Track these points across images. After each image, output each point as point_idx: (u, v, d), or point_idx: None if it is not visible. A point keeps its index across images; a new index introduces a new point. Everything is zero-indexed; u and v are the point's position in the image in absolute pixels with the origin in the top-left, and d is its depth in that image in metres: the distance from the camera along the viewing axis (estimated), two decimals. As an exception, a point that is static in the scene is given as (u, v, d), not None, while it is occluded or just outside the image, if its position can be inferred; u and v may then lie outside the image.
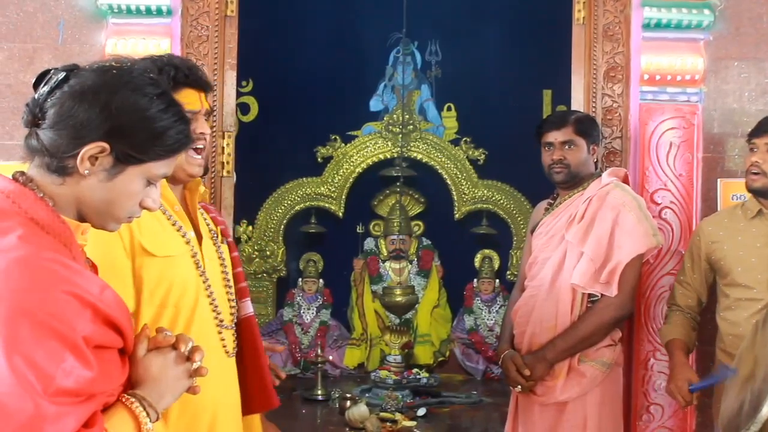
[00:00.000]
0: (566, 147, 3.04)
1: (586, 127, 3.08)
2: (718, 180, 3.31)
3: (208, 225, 2.10)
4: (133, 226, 1.80)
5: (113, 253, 1.79)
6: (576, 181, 3.05)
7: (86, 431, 1.29)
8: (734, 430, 2.38)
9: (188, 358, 1.49)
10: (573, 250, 2.95)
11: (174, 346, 1.48)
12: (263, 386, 2.25)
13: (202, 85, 1.97)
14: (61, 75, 1.40)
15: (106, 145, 1.37)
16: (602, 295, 2.91)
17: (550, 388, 2.94)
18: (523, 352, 3.00)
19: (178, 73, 1.90)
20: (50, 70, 1.42)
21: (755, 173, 2.84)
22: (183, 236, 1.93)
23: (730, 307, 2.89)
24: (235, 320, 2.08)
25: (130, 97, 1.39)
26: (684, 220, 3.25)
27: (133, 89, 1.40)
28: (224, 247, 2.11)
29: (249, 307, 2.23)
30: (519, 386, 2.95)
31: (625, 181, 3.09)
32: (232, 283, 2.10)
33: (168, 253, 1.89)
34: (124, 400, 1.40)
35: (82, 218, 1.43)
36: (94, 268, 1.56)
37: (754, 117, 3.14)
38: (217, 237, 2.09)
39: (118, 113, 1.38)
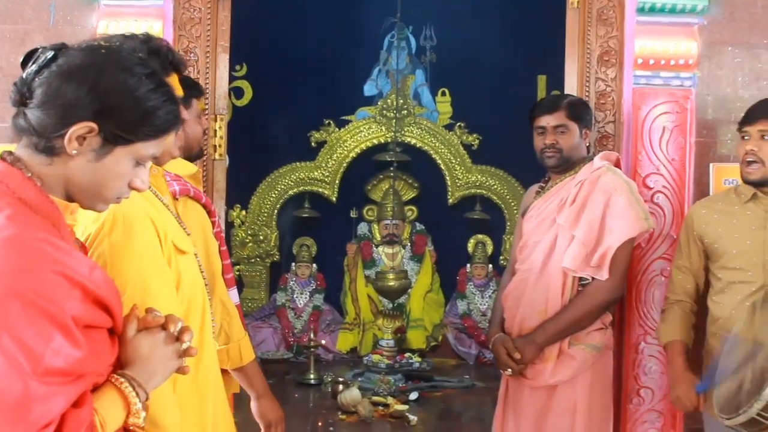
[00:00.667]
0: (558, 131, 3.03)
1: (579, 111, 3.07)
2: (711, 165, 3.30)
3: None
4: (165, 225, 1.78)
5: (161, 259, 1.76)
6: (568, 165, 3.05)
7: (75, 411, 1.29)
8: (734, 408, 2.39)
9: (177, 339, 1.49)
10: (564, 234, 2.96)
11: (163, 327, 1.48)
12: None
13: (181, 68, 1.93)
14: (50, 54, 1.38)
15: (94, 125, 1.37)
16: (593, 278, 2.92)
17: (541, 371, 2.95)
18: (513, 336, 3.00)
19: (175, 57, 1.87)
20: (38, 48, 1.41)
21: (752, 162, 2.78)
22: (184, 229, 1.93)
23: (723, 290, 2.88)
24: None
25: (118, 76, 1.38)
26: (676, 204, 3.25)
27: (122, 69, 1.39)
28: None
29: (236, 297, 2.27)
30: (509, 370, 2.96)
31: (617, 164, 3.09)
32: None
33: (190, 249, 1.89)
34: (113, 380, 1.40)
35: (70, 198, 1.43)
36: (83, 248, 1.56)
37: (747, 102, 3.13)
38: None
39: (107, 93, 1.37)
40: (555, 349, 2.93)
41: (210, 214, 2.37)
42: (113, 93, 1.38)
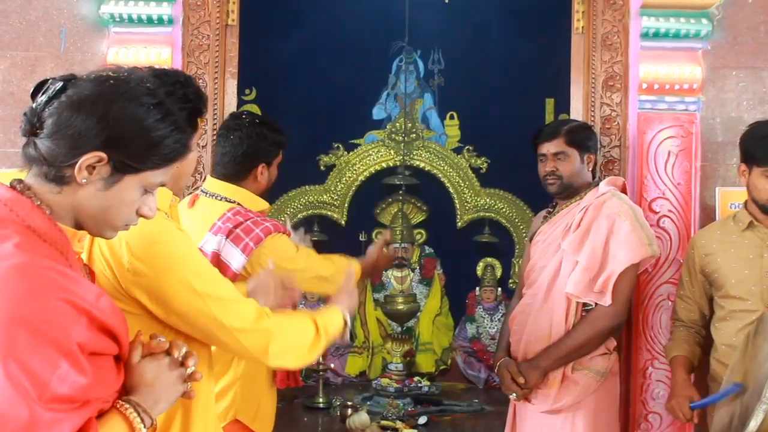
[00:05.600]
0: (558, 158, 3.05)
1: (578, 137, 3.09)
2: (717, 189, 3.32)
3: None
4: None
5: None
6: (571, 191, 3.06)
7: (81, 437, 1.31)
8: None
9: (182, 364, 1.50)
10: (569, 259, 2.96)
11: (168, 352, 1.50)
12: None
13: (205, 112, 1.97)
14: (59, 85, 1.41)
15: (103, 155, 1.39)
16: (596, 304, 2.92)
17: (544, 396, 2.95)
18: (519, 360, 3.01)
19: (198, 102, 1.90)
20: (48, 79, 1.43)
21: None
22: None
23: (725, 318, 2.89)
24: None
25: (127, 106, 1.41)
26: (682, 228, 3.26)
27: (130, 99, 1.42)
28: None
29: None
30: (514, 394, 2.96)
31: (624, 190, 3.09)
32: None
33: None
34: (118, 406, 1.42)
35: (79, 226, 1.45)
36: (91, 275, 1.58)
37: (752, 126, 3.14)
38: None
39: (116, 123, 1.39)
40: (559, 374, 2.93)
41: None
42: (122, 123, 1.40)
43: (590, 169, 3.10)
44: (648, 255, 2.95)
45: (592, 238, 2.92)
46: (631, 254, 2.90)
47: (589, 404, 2.93)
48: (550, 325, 2.95)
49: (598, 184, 3.05)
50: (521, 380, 2.92)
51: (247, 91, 6.90)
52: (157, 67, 1.90)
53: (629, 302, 3.01)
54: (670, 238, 3.26)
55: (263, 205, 2.70)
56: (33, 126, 1.41)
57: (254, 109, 6.99)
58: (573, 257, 2.94)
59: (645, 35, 3.30)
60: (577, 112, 3.43)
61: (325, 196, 7.13)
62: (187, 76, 1.90)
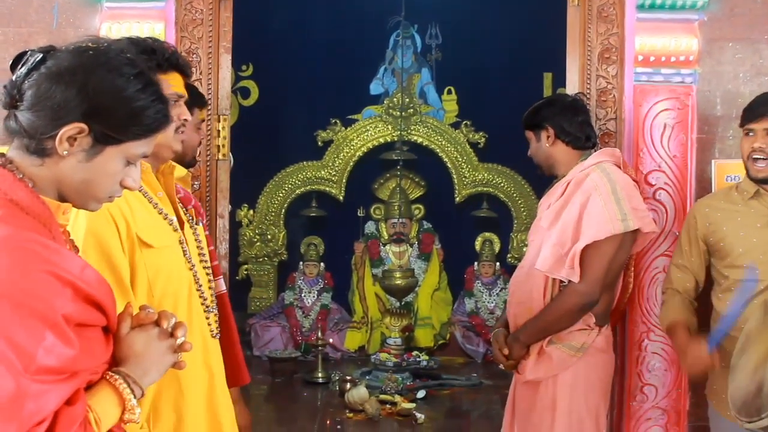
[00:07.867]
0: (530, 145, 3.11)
1: (529, 120, 3.09)
2: (713, 161, 3.30)
3: (182, 208, 2.09)
4: (128, 217, 1.80)
5: (109, 244, 1.78)
6: (549, 169, 3.05)
7: (68, 408, 1.31)
8: (755, 411, 2.35)
9: (171, 334, 1.50)
10: (547, 234, 2.95)
11: (157, 323, 1.50)
12: (236, 363, 2.33)
13: (187, 71, 1.96)
14: (38, 56, 1.40)
15: (84, 126, 1.38)
16: (570, 281, 2.86)
17: (524, 367, 2.96)
18: (512, 330, 3.02)
19: (173, 56, 1.91)
20: (27, 51, 1.43)
21: (759, 159, 2.75)
22: (170, 224, 1.94)
23: (729, 288, 2.86)
24: (215, 302, 2.09)
25: (106, 77, 1.40)
26: (678, 201, 3.25)
27: (110, 69, 1.41)
28: (199, 228, 2.12)
29: (222, 285, 2.34)
30: (501, 365, 2.99)
31: (619, 162, 3.01)
32: (209, 264, 2.11)
33: (163, 244, 1.90)
34: (107, 377, 1.42)
35: (62, 198, 1.44)
36: (75, 248, 1.57)
37: (748, 98, 3.11)
38: (192, 219, 2.09)
39: (95, 94, 1.38)
40: (537, 347, 2.92)
41: (199, 216, 2.40)
42: (102, 93, 1.39)
43: (548, 143, 3.03)
44: (618, 231, 2.81)
45: (566, 214, 2.87)
46: (596, 231, 2.80)
47: (564, 379, 2.89)
48: (530, 298, 2.93)
49: (587, 157, 2.99)
50: (505, 351, 2.94)
51: (243, 67, 6.89)
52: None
53: (606, 279, 2.88)
54: (666, 210, 3.24)
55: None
56: (13, 98, 1.40)
57: (251, 84, 7.00)
58: (547, 232, 2.92)
59: (641, 7, 3.27)
60: (573, 85, 3.41)
61: (323, 172, 7.14)
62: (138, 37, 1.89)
